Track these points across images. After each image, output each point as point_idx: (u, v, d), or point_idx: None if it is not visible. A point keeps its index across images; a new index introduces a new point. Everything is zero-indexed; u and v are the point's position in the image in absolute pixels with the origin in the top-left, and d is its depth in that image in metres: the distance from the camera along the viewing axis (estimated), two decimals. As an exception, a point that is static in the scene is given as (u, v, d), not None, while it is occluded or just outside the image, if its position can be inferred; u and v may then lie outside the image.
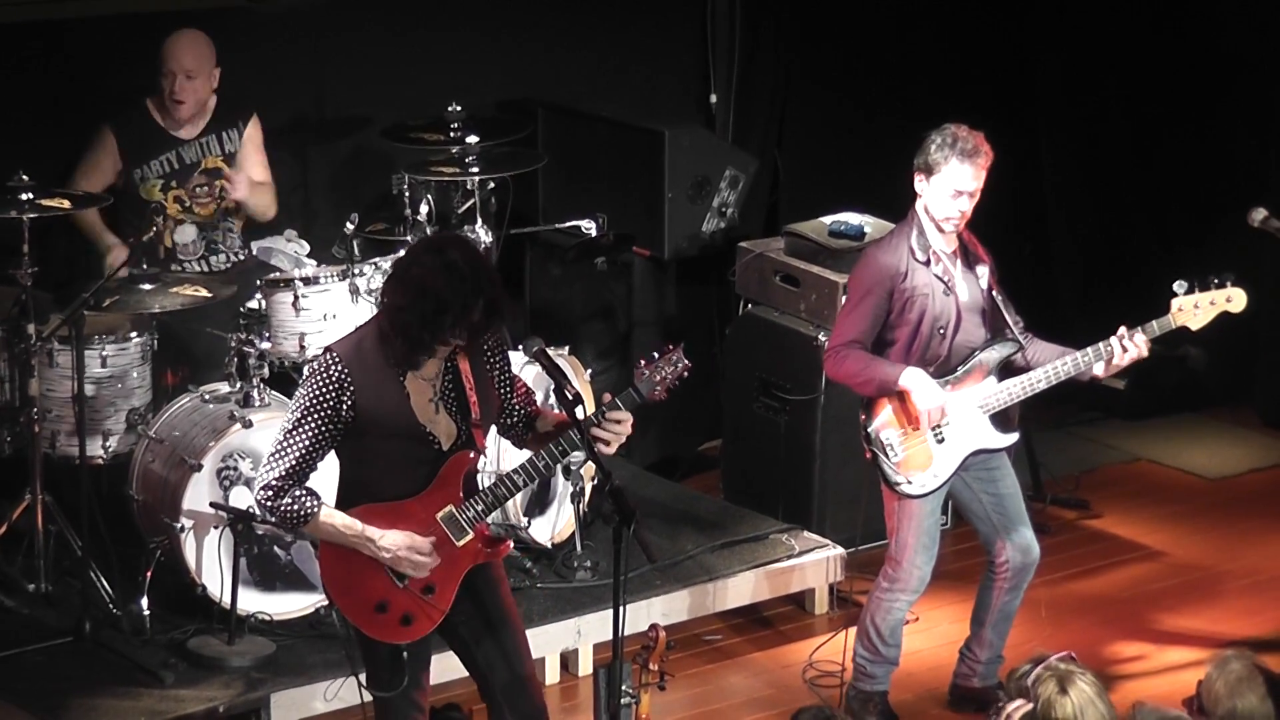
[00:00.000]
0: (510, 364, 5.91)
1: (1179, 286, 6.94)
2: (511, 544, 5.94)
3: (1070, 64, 10.07)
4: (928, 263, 6.92)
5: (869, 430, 7.02)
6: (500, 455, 7.33)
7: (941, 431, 6.95)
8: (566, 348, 8.02)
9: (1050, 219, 10.12)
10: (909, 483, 6.98)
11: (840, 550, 8.14)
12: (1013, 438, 7.08)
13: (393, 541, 5.69)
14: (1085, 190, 10.23)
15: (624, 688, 5.74)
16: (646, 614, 7.41)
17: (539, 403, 6.03)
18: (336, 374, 5.63)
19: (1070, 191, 10.22)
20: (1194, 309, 6.95)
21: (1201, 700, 5.09)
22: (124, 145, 7.93)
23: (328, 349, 5.72)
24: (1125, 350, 6.89)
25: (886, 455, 7.00)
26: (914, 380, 6.87)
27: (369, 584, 5.76)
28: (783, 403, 8.51)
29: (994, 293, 7.01)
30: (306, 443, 5.65)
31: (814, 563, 8.10)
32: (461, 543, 5.78)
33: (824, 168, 9.81)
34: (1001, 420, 7.03)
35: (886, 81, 9.75)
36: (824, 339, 8.29)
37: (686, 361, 5.85)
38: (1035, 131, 10.07)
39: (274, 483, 5.66)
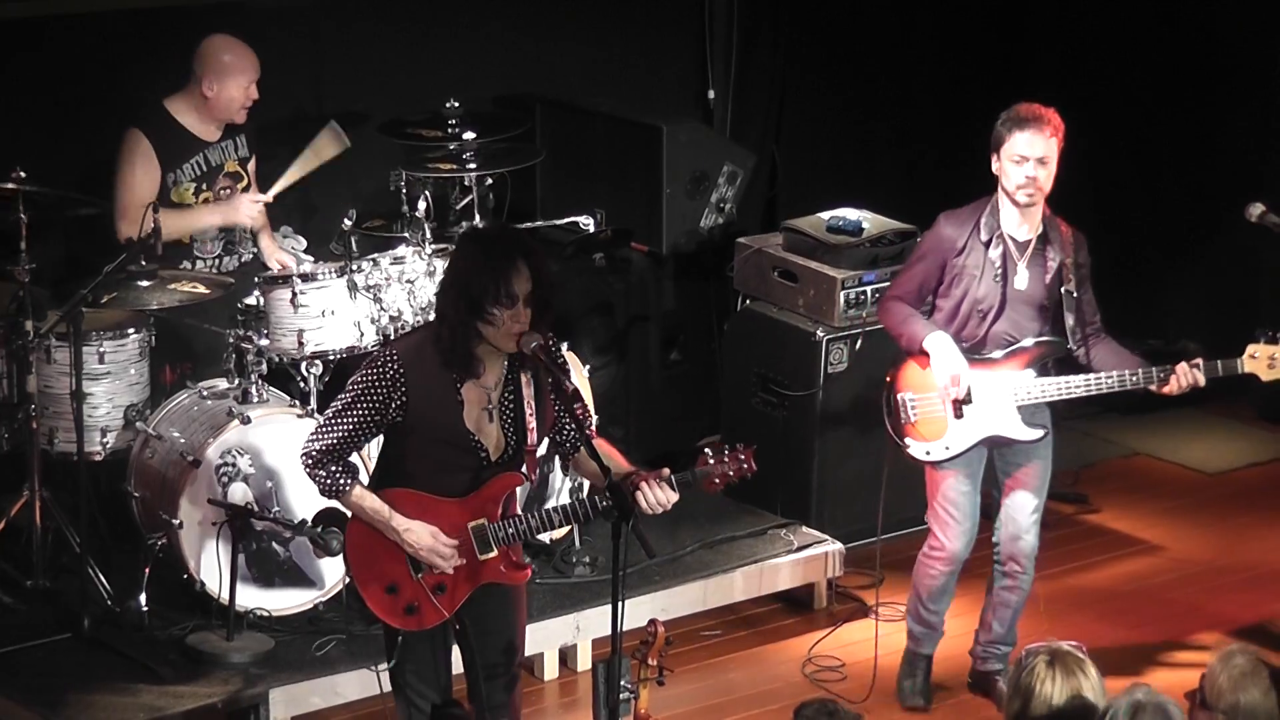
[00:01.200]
0: (581, 394, 5.93)
1: (1260, 334, 6.89)
2: (531, 571, 5.96)
3: (1067, 62, 10.07)
4: (989, 243, 6.95)
5: (891, 389, 7.07)
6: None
7: (964, 407, 6.95)
8: (565, 344, 8.00)
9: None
10: (910, 445, 7.04)
11: (839, 545, 8.14)
12: (1037, 433, 7.06)
13: (417, 538, 5.76)
14: (1080, 188, 10.20)
15: (623, 683, 5.74)
16: (645, 609, 7.39)
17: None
18: (391, 372, 5.68)
19: (1065, 189, 10.20)
20: (1269, 360, 6.89)
21: (1204, 694, 5.08)
22: (157, 149, 7.84)
23: (390, 345, 5.81)
24: (1181, 381, 6.93)
25: (899, 414, 7.04)
26: (937, 344, 6.91)
27: (387, 564, 5.82)
28: (781, 398, 8.51)
29: (1064, 287, 6.98)
30: (349, 427, 5.74)
31: (812, 558, 8.09)
32: (484, 557, 5.82)
33: (822, 163, 9.81)
34: (1031, 414, 7.03)
35: (885, 77, 9.75)
36: (822, 334, 8.32)
37: (754, 466, 5.88)
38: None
39: (314, 453, 5.78)
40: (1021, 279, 6.97)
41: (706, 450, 5.89)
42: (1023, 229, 6.98)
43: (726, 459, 5.86)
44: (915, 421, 7.04)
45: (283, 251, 8.03)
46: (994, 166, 6.95)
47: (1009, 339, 6.99)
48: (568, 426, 5.89)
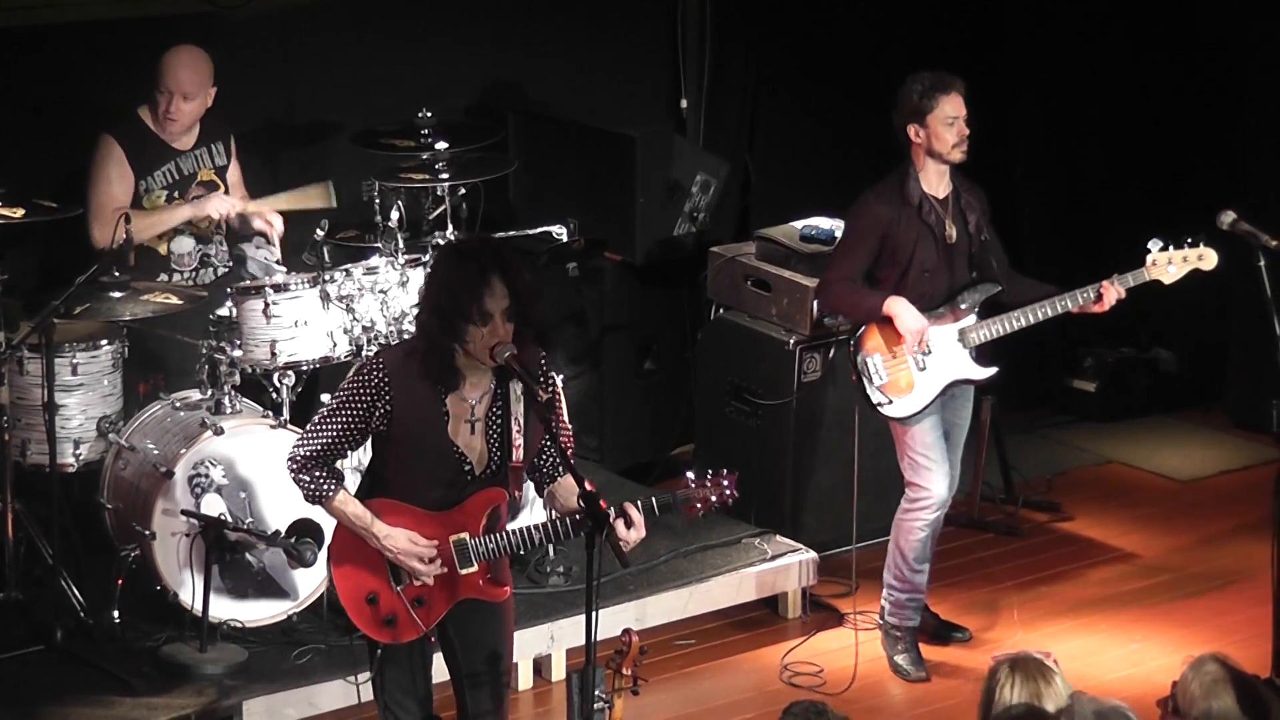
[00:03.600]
0: (563, 414, 5.91)
1: (1154, 244, 7.44)
2: (510, 589, 5.95)
3: (1043, 73, 10.08)
4: (920, 208, 7.39)
5: (856, 357, 7.47)
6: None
7: (924, 360, 7.39)
8: (539, 349, 7.99)
9: (1020, 232, 10.09)
10: (890, 403, 7.45)
11: (812, 554, 8.15)
12: (991, 371, 7.53)
13: (395, 543, 5.75)
14: (1057, 201, 10.24)
15: (597, 693, 5.73)
16: (619, 619, 7.39)
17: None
18: (375, 380, 5.69)
19: (1042, 202, 10.23)
20: (1167, 264, 7.44)
21: (1176, 701, 5.10)
22: (130, 156, 7.84)
23: (378, 353, 5.81)
24: (1102, 295, 7.38)
25: (870, 379, 7.44)
26: (897, 307, 7.35)
27: (368, 574, 5.81)
28: (754, 407, 8.52)
29: (982, 235, 7.48)
30: (334, 433, 5.74)
31: (786, 566, 8.10)
32: (464, 572, 5.81)
33: (795, 172, 9.82)
34: (981, 354, 7.48)
35: (858, 86, 9.74)
36: (795, 343, 8.34)
37: (735, 492, 5.88)
38: (1008, 140, 10.07)
39: (299, 457, 5.79)
40: (951, 233, 7.44)
41: (689, 474, 5.88)
42: (940, 188, 7.48)
43: (709, 484, 5.85)
44: (887, 383, 7.43)
45: (267, 211, 7.98)
46: (914, 134, 7.40)
47: (950, 290, 7.44)
48: (549, 452, 5.87)
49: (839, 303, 7.64)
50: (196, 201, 7.93)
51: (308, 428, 5.83)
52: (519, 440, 5.76)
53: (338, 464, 5.83)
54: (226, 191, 8.06)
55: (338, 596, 5.93)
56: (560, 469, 5.86)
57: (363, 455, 6.02)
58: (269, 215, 7.93)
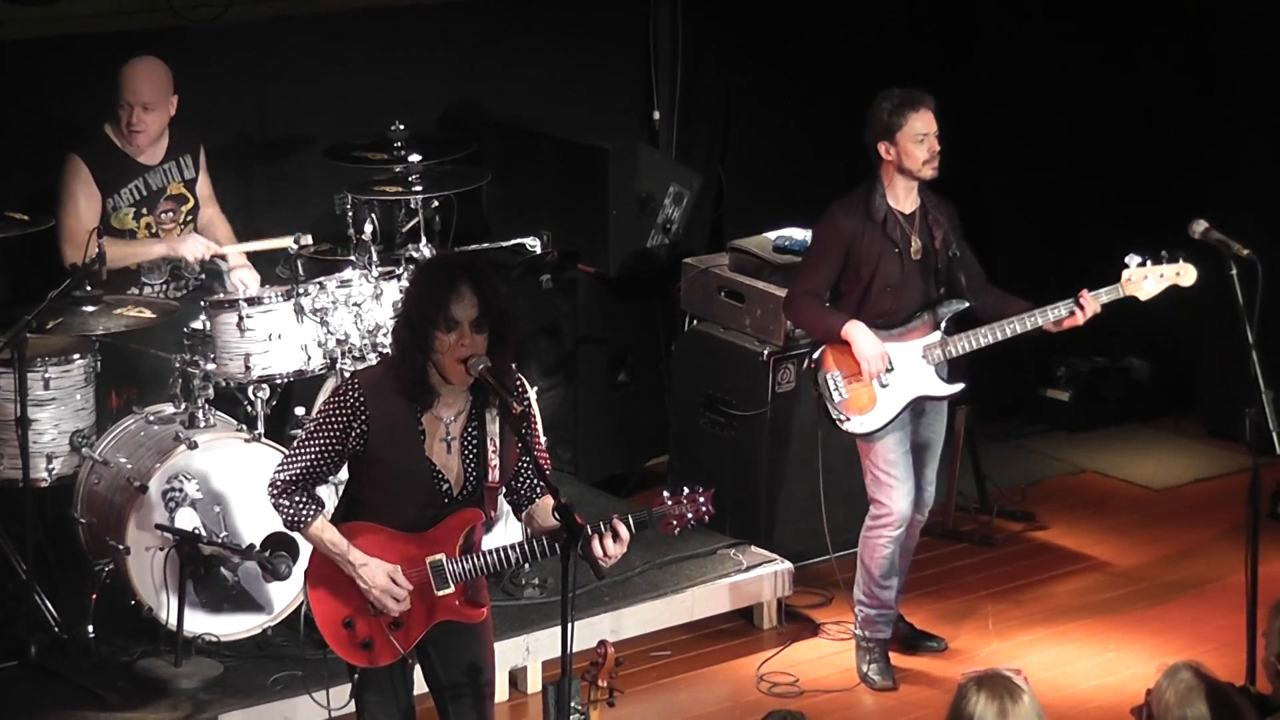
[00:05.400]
0: (538, 432, 5.90)
1: (1131, 259, 7.42)
2: (488, 610, 5.94)
3: (1015, 82, 10.10)
4: (884, 223, 7.39)
5: (817, 375, 7.49)
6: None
7: (887, 377, 7.39)
8: (512, 366, 7.99)
9: (992, 245, 10.12)
10: (848, 420, 7.46)
11: (788, 564, 8.16)
12: (957, 387, 7.54)
13: (372, 574, 5.73)
14: (1028, 210, 10.26)
15: (573, 704, 5.73)
16: (595, 630, 7.39)
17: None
18: (351, 400, 5.67)
19: (1015, 215, 10.25)
20: (1144, 280, 7.41)
21: (1151, 709, 5.10)
22: (96, 175, 7.82)
23: (354, 373, 5.79)
24: (1074, 312, 7.37)
25: (830, 396, 7.45)
26: (855, 333, 7.36)
27: (345, 597, 5.79)
28: (729, 418, 8.52)
29: (950, 251, 7.47)
30: (313, 455, 5.72)
31: (761, 577, 8.10)
32: (441, 593, 5.79)
33: (768, 183, 9.83)
34: (947, 370, 7.49)
35: (830, 97, 9.77)
36: (769, 354, 8.35)
37: (711, 509, 5.86)
38: (980, 153, 10.09)
39: (278, 482, 5.77)
40: (916, 249, 7.44)
41: (665, 492, 5.88)
42: (907, 203, 7.47)
43: (685, 501, 5.84)
44: (847, 400, 7.44)
45: (247, 270, 7.99)
46: (884, 151, 7.39)
47: (917, 304, 7.45)
48: (526, 473, 5.85)
49: (801, 318, 7.65)
50: (172, 240, 7.90)
51: (287, 453, 5.82)
52: (494, 460, 5.75)
53: (318, 489, 5.82)
54: (197, 205, 8.05)
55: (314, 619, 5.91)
56: (538, 489, 5.85)
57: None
58: (245, 276, 7.89)
